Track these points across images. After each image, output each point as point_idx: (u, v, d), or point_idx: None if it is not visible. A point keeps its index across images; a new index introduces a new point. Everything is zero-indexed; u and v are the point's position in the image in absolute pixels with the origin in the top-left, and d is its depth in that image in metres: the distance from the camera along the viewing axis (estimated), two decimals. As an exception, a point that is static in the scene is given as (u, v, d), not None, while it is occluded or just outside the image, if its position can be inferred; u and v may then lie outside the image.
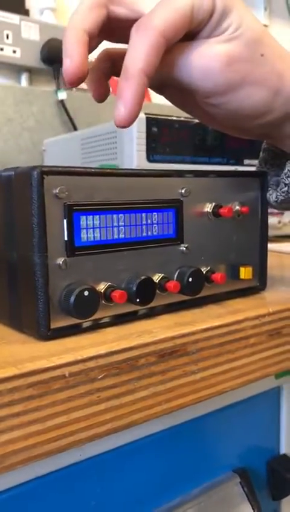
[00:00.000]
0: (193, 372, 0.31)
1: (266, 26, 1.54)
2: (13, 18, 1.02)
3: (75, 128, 1.08)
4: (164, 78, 0.33)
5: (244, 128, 0.36)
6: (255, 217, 0.38)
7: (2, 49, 1.00)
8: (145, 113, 0.64)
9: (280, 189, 0.36)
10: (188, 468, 0.41)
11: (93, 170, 0.29)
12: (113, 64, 0.37)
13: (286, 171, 0.36)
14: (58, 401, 0.25)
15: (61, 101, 1.07)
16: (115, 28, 0.34)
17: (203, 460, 0.42)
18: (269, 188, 0.38)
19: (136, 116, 0.30)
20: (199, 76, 0.32)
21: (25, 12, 1.05)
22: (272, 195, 0.38)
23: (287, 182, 0.35)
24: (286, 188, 0.36)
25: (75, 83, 0.32)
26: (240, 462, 0.44)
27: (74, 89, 1.13)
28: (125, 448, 0.36)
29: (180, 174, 0.34)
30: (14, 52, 1.02)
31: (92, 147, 0.76)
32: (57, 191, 0.27)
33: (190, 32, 0.32)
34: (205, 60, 0.32)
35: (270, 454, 0.46)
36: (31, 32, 1.04)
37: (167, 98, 0.39)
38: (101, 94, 0.37)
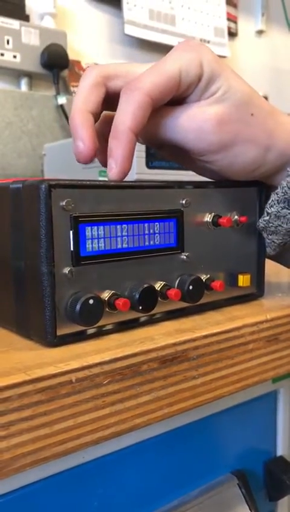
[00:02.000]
0: (194, 377, 0.32)
1: (263, 31, 1.55)
2: (13, 23, 1.03)
3: (74, 133, 1.09)
4: (160, 138, 0.35)
5: (240, 178, 0.38)
6: (253, 225, 0.40)
7: (2, 55, 1.02)
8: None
9: (262, 218, 0.38)
10: (188, 470, 0.42)
11: (98, 183, 0.30)
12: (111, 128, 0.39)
13: (270, 201, 0.37)
14: (65, 406, 0.26)
15: (61, 106, 1.08)
16: (115, 99, 0.35)
17: (202, 463, 0.43)
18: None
19: (127, 171, 0.33)
20: (192, 137, 0.34)
21: (25, 17, 1.06)
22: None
23: (269, 211, 0.37)
24: (267, 217, 0.37)
25: (88, 162, 0.34)
26: (237, 464, 0.45)
27: (74, 93, 1.14)
28: (126, 450, 0.37)
29: (181, 185, 0.35)
30: (15, 57, 1.03)
31: (92, 152, 0.77)
32: (64, 204, 0.28)
33: (181, 96, 0.34)
34: (197, 122, 0.34)
35: (267, 456, 0.48)
36: (31, 38, 1.05)
37: (165, 155, 0.42)
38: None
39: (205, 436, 0.43)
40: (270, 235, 0.38)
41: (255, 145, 0.35)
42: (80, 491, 0.35)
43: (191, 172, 0.64)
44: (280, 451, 0.49)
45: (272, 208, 0.37)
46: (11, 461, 0.24)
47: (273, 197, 0.37)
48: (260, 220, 0.38)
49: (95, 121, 0.35)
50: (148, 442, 0.38)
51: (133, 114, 0.32)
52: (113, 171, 0.33)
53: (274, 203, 0.36)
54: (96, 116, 0.35)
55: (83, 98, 0.35)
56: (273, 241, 0.38)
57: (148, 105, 0.32)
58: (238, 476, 0.44)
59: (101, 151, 0.37)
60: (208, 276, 0.36)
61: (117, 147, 0.32)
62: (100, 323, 0.31)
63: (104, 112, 0.38)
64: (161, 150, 0.41)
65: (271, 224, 0.37)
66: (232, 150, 0.35)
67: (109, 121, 0.38)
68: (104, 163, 0.39)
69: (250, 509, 0.43)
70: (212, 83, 0.34)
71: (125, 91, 0.33)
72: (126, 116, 0.32)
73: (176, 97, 0.34)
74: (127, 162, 0.33)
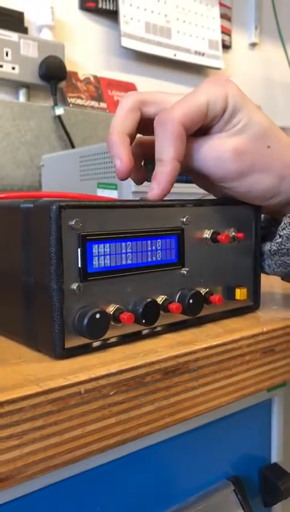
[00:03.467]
0: (194, 387, 0.33)
1: (256, 44, 1.58)
2: (12, 36, 1.05)
3: (71, 143, 1.11)
4: (185, 164, 0.38)
5: (258, 204, 0.41)
6: (249, 241, 0.41)
7: (1, 66, 1.03)
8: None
9: (275, 241, 0.40)
10: (185, 476, 0.43)
11: (105, 203, 0.32)
12: (143, 150, 0.42)
13: (282, 224, 0.39)
14: (74, 416, 0.28)
15: (58, 117, 1.10)
16: (148, 124, 0.38)
17: (199, 469, 0.44)
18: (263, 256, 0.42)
19: (167, 193, 0.37)
20: (212, 165, 0.37)
21: (24, 30, 1.08)
22: (265, 247, 0.41)
23: (281, 233, 0.39)
24: (279, 240, 0.39)
25: (125, 178, 0.38)
26: (233, 470, 0.47)
27: (71, 104, 1.16)
28: (126, 458, 0.38)
29: (181, 204, 0.37)
30: (13, 68, 1.05)
31: (91, 164, 0.78)
32: (73, 223, 0.30)
33: (205, 126, 0.38)
34: (217, 152, 0.37)
35: (262, 463, 0.49)
36: (30, 50, 1.07)
37: (192, 178, 0.45)
38: (140, 178, 0.43)
39: (202, 444, 0.44)
40: (282, 256, 0.40)
41: (270, 175, 0.38)
42: (83, 498, 0.36)
43: (190, 186, 0.66)
44: (275, 458, 0.50)
45: (284, 231, 0.39)
46: (23, 468, 0.26)
47: (285, 220, 0.39)
48: (272, 243, 0.40)
49: (130, 142, 0.39)
50: (148, 450, 0.40)
51: (174, 144, 0.35)
52: (154, 191, 0.36)
53: (286, 226, 0.39)
54: (131, 138, 0.39)
55: (121, 121, 0.38)
56: (285, 262, 0.40)
57: (184, 135, 0.36)
58: (234, 482, 0.45)
59: (134, 171, 0.40)
60: (207, 290, 0.38)
61: (163, 172, 0.36)
62: (105, 336, 0.32)
63: (139, 137, 0.42)
64: (187, 173, 0.43)
65: (283, 246, 0.39)
66: (249, 179, 0.38)
67: (142, 144, 0.42)
68: (137, 181, 0.43)
69: (246, 515, 0.45)
70: (235, 115, 0.37)
71: (160, 121, 0.36)
72: (168, 147, 0.36)
73: (201, 127, 0.37)
74: (169, 186, 0.36)
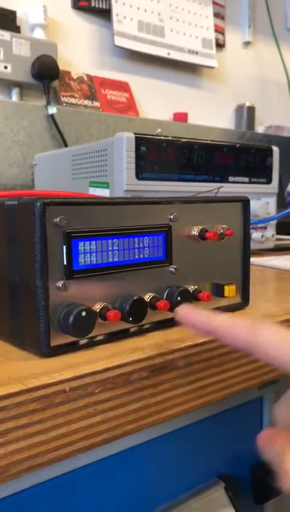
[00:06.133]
0: (182, 385, 0.33)
1: (249, 43, 1.58)
2: (4, 35, 1.04)
3: (64, 142, 1.10)
4: None
5: None
6: (238, 238, 0.41)
7: (-7, 65, 1.03)
8: (135, 133, 0.67)
9: None
10: (176, 474, 0.43)
11: (90, 200, 0.32)
12: None
13: None
14: (59, 414, 0.27)
15: (51, 116, 1.10)
16: None
17: (190, 467, 0.44)
18: None
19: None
20: None
21: (16, 29, 1.08)
22: None
23: None
24: None
25: None
26: (224, 468, 0.47)
27: (64, 103, 1.15)
28: (116, 456, 0.38)
29: (169, 201, 0.37)
30: (6, 67, 1.05)
31: (83, 163, 0.78)
32: (58, 220, 0.30)
33: None
34: None
35: (253, 461, 0.49)
36: (22, 49, 1.07)
37: None
38: None
39: (193, 441, 0.44)
40: None
41: None
42: (72, 497, 0.36)
43: (180, 184, 0.65)
44: (266, 456, 0.50)
45: None
46: (8, 467, 0.26)
47: None
48: None
49: None
50: (137, 448, 0.39)
51: None
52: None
53: None
54: None
55: None
56: None
57: None
58: (225, 480, 0.45)
59: None
60: (196, 287, 0.38)
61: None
62: (92, 334, 0.32)
63: None
64: None
65: None
66: None
67: None
68: None
69: (237, 512, 0.45)
70: None
71: None
72: None
73: None
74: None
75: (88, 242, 0.32)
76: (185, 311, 0.31)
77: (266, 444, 0.29)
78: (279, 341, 0.27)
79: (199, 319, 0.30)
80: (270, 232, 0.82)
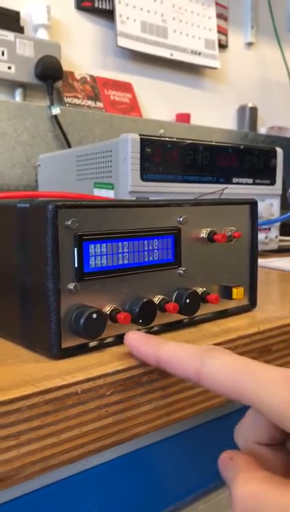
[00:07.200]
0: (191, 387, 0.33)
1: (252, 43, 1.58)
2: (8, 35, 1.04)
3: (68, 143, 1.10)
4: None
5: None
6: (246, 240, 0.41)
7: (-3, 66, 1.03)
8: (140, 134, 0.67)
9: None
10: (183, 476, 0.43)
11: (101, 203, 0.32)
12: None
13: None
14: (71, 416, 0.27)
15: (55, 116, 1.10)
16: None
17: (197, 469, 0.44)
18: None
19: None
20: None
21: (20, 29, 1.08)
22: None
23: None
24: None
25: None
26: (231, 469, 0.46)
27: (67, 104, 1.15)
28: (124, 458, 0.38)
29: (178, 203, 0.37)
30: (9, 68, 1.05)
31: (87, 164, 0.78)
32: (69, 223, 0.30)
33: None
34: None
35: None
36: (26, 49, 1.07)
37: None
38: None
39: (199, 443, 0.44)
40: None
41: None
42: (80, 498, 0.36)
43: (184, 185, 0.65)
44: (271, 457, 0.50)
45: None
46: (20, 469, 0.26)
47: None
48: None
49: None
50: (145, 450, 0.40)
51: None
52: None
53: None
54: None
55: None
56: None
57: None
58: (231, 482, 0.45)
59: None
60: (204, 289, 0.38)
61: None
62: (102, 336, 0.32)
63: None
64: None
65: None
66: None
67: None
68: None
69: (243, 514, 0.45)
70: None
71: None
72: None
73: None
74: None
75: (99, 244, 0.32)
76: (132, 339, 0.31)
77: (223, 466, 0.28)
78: (226, 371, 0.26)
79: (145, 350, 0.30)
80: (274, 233, 0.83)
